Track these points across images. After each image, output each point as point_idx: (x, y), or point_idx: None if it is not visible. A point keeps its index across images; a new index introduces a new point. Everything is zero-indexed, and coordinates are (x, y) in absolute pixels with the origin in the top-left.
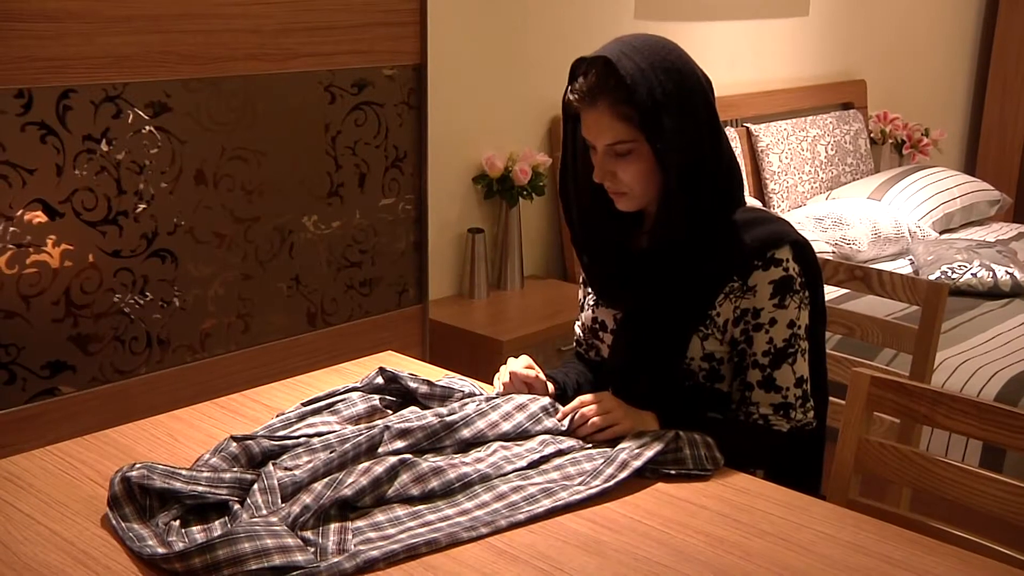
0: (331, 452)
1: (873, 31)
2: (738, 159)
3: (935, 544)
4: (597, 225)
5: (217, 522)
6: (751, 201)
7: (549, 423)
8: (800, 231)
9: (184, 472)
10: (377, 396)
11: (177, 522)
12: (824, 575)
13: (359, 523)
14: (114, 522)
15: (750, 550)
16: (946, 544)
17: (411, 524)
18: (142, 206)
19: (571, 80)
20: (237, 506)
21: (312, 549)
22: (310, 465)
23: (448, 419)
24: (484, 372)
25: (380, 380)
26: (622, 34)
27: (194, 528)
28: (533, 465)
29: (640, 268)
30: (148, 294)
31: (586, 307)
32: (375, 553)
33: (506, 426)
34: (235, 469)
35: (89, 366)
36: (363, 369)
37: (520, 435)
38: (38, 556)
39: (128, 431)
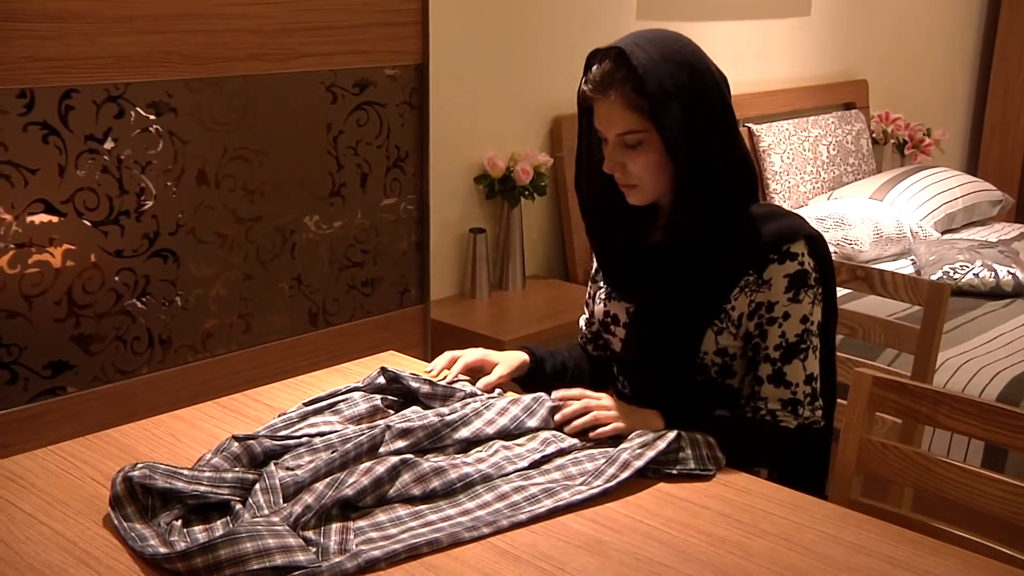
0: (333, 452)
1: (875, 31)
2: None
3: (937, 544)
4: (609, 219)
5: (219, 522)
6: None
7: (543, 412)
8: None
9: (186, 472)
10: (379, 396)
11: (179, 522)
12: (826, 575)
13: (361, 523)
14: (116, 522)
15: (752, 550)
16: (948, 544)
17: (413, 524)
18: (144, 206)
19: (585, 71)
20: (239, 506)
21: (314, 549)
22: (312, 465)
23: (448, 418)
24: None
25: (382, 380)
26: (629, 31)
27: (196, 528)
28: (535, 465)
29: (653, 262)
30: (150, 294)
31: (598, 300)
32: (377, 553)
33: (503, 420)
34: (237, 469)
35: (91, 366)
36: (365, 369)
37: (517, 428)
38: (40, 556)
39: (130, 431)
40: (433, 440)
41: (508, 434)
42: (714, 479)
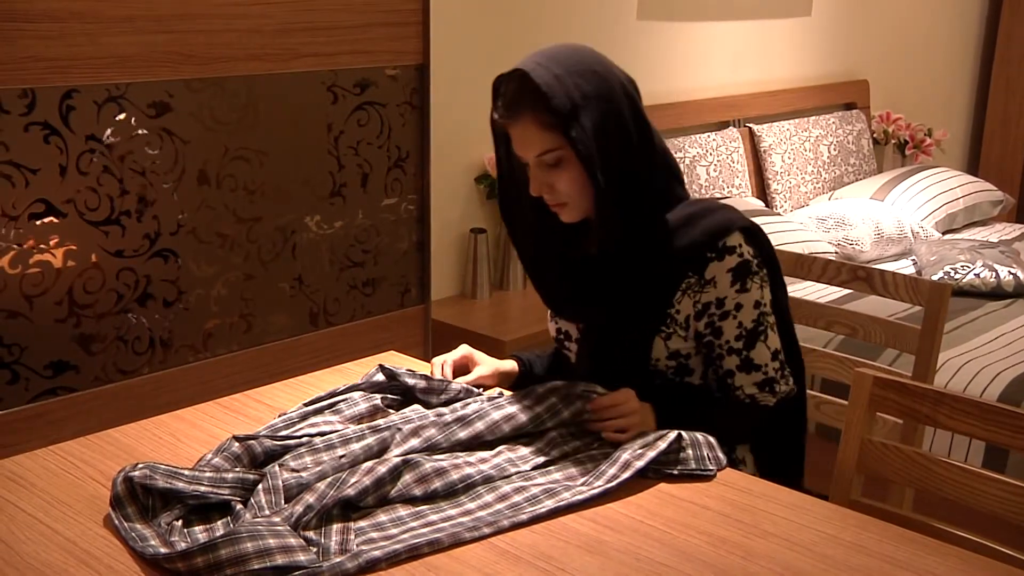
0: (342, 457)
1: (875, 31)
2: (743, 158)
3: (938, 544)
4: (545, 241)
5: (219, 522)
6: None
7: (567, 414)
8: (803, 231)
9: (186, 472)
10: (379, 396)
11: (179, 522)
12: (826, 575)
13: (361, 523)
14: (116, 522)
15: (752, 550)
16: (949, 545)
17: (413, 524)
18: (145, 206)
19: (494, 99)
20: (239, 506)
21: (315, 549)
22: (318, 468)
23: (461, 412)
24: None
25: (380, 376)
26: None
27: (196, 528)
28: (537, 467)
29: (592, 278)
30: (151, 294)
31: (550, 318)
32: (377, 553)
33: (523, 417)
34: (237, 469)
35: (92, 366)
36: (365, 369)
37: (537, 426)
38: (40, 556)
39: (131, 431)
40: (446, 434)
41: (526, 432)
42: (715, 479)
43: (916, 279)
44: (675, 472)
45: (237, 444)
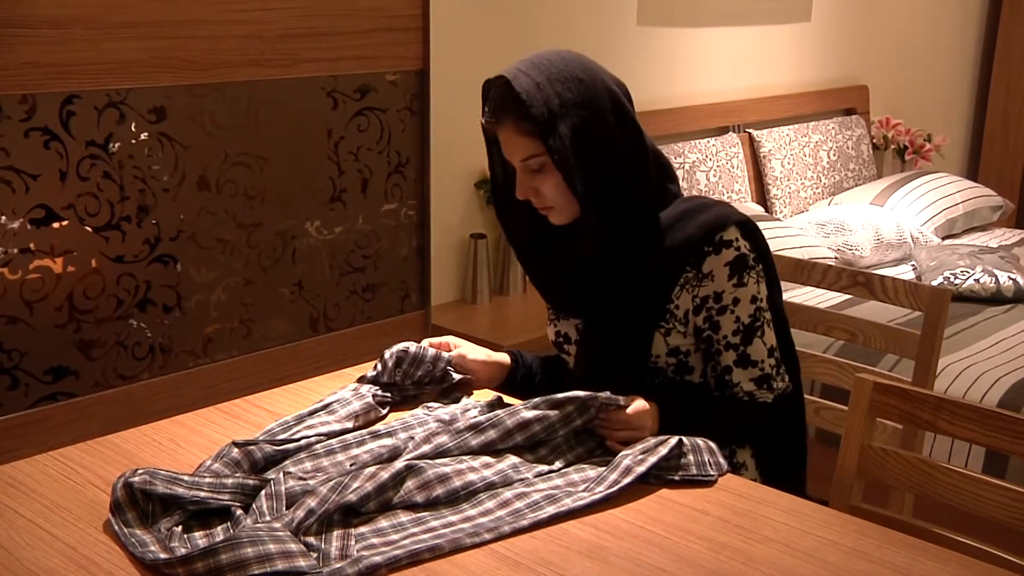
0: (352, 465)
1: (875, 37)
2: (743, 163)
3: (938, 550)
4: (542, 242)
5: (220, 527)
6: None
7: (580, 423)
8: (803, 236)
9: (186, 477)
10: (371, 395)
11: (179, 527)
12: None
13: (362, 529)
14: (116, 527)
15: (753, 556)
16: (949, 550)
17: (414, 530)
18: (145, 212)
19: (483, 103)
20: (239, 511)
21: (315, 554)
22: (323, 475)
23: (473, 420)
24: None
25: (379, 367)
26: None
27: (196, 534)
28: (539, 474)
29: (590, 277)
30: (151, 299)
31: (548, 322)
32: (378, 559)
33: (537, 427)
34: (237, 474)
35: (92, 371)
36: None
37: (550, 435)
38: (40, 561)
39: (130, 436)
40: (458, 441)
41: (538, 440)
42: (715, 485)
43: (916, 284)
44: (676, 478)
45: (237, 450)
